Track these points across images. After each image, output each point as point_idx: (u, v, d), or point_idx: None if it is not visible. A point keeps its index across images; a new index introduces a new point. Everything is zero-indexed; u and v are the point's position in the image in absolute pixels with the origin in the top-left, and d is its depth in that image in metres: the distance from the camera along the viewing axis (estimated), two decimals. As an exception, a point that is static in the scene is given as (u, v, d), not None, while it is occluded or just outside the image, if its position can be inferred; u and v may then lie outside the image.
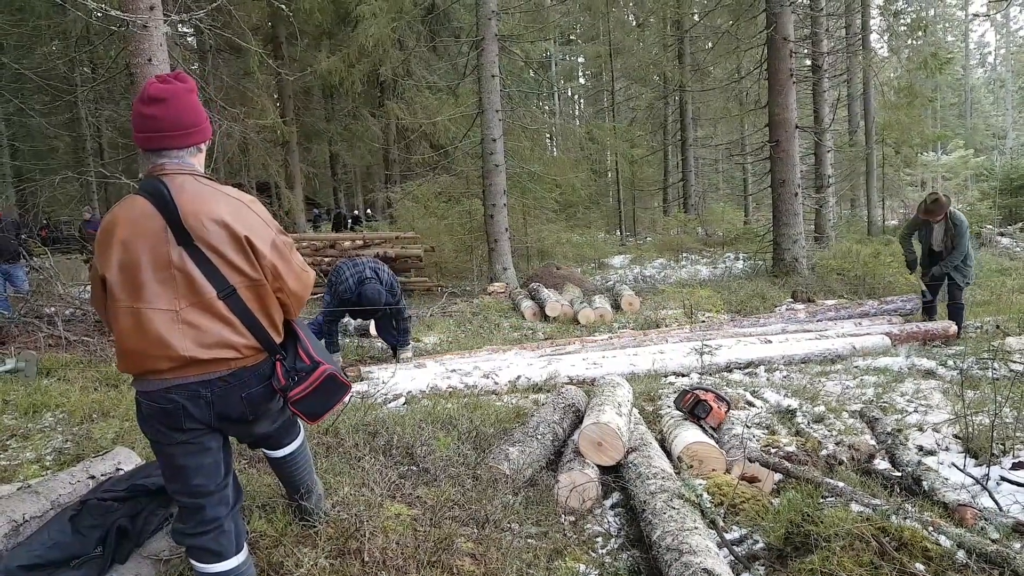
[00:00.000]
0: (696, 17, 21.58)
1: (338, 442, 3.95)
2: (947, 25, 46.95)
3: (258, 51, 12.91)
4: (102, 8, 7.00)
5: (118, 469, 3.34)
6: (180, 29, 13.60)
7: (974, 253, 7.76)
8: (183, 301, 2.16)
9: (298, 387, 2.34)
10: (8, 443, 4.36)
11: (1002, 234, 17.56)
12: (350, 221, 25.57)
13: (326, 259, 12.79)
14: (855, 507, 3.02)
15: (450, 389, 5.73)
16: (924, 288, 8.10)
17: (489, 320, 9.47)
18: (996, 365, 5.67)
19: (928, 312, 8.17)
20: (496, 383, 5.91)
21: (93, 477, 3.22)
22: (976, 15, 44.97)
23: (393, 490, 3.33)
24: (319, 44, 19.69)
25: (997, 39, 52.82)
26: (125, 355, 2.20)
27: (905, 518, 2.82)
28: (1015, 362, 5.89)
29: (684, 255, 17.39)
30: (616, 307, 9.99)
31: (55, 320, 7.41)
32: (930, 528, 2.75)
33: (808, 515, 2.85)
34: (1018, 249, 15.89)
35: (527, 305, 9.99)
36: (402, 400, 5.52)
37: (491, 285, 12.16)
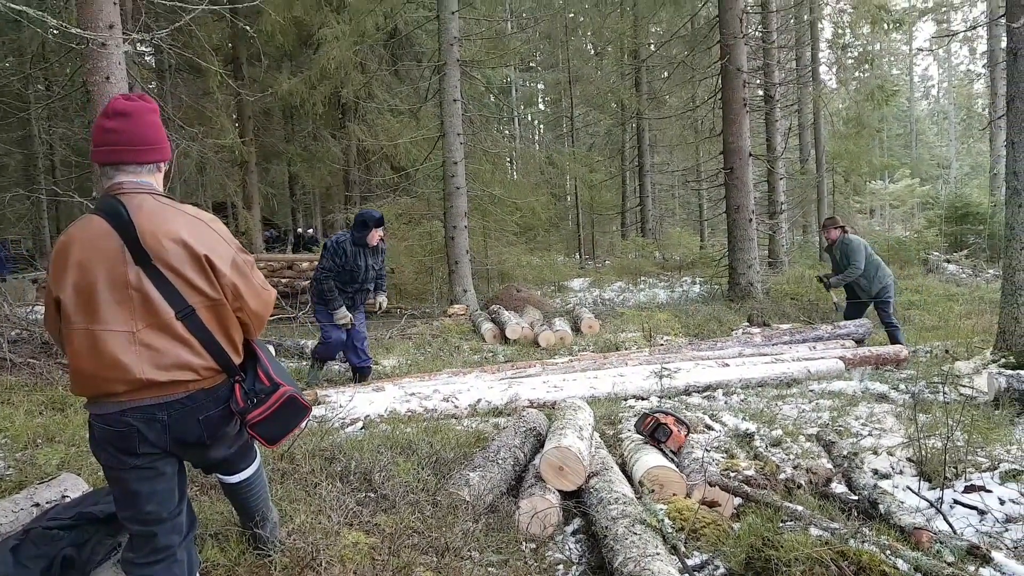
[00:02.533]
0: (652, 47, 21.99)
1: (294, 468, 3.87)
2: (893, 59, 48.44)
3: (218, 71, 12.77)
4: (60, 25, 6.87)
5: (64, 496, 3.22)
6: (140, 48, 13.40)
7: (880, 272, 8.39)
8: (140, 322, 2.11)
9: (257, 409, 2.28)
10: (-53, 470, 4.18)
11: (948, 261, 18.00)
12: (290, 242, 24.92)
13: (283, 280, 12.65)
14: (814, 531, 3.05)
15: (409, 413, 5.65)
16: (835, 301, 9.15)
17: (449, 342, 9.41)
18: (946, 389, 5.80)
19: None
20: (456, 407, 5.86)
21: (37, 505, 3.10)
22: (920, 49, 46.58)
23: (351, 517, 3.26)
24: (280, 65, 19.53)
25: (940, 73, 54.71)
26: (79, 377, 2.13)
27: (863, 542, 2.85)
28: (964, 386, 6.04)
29: (642, 279, 17.53)
30: (576, 330, 10.02)
31: (-1, 341, 7.17)
32: (888, 551, 2.78)
33: (768, 539, 2.87)
34: (964, 275, 16.32)
35: (487, 327, 9.96)
36: (360, 424, 5.43)
37: (451, 307, 12.11)
